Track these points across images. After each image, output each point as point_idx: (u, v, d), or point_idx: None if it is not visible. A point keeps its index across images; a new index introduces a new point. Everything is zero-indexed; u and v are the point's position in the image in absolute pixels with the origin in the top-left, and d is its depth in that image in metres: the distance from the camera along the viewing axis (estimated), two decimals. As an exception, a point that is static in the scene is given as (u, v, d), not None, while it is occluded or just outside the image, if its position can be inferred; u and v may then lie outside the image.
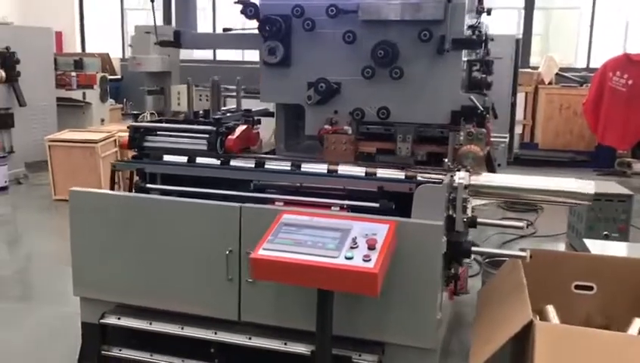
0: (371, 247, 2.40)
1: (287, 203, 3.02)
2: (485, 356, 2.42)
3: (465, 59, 3.38)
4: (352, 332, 2.82)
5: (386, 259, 2.42)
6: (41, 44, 8.18)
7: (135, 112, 3.46)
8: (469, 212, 2.94)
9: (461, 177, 2.84)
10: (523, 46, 10.31)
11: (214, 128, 3.24)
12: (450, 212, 2.85)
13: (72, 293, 3.17)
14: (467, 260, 3.54)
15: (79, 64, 9.94)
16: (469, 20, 3.06)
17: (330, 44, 3.10)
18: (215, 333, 2.95)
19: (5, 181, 7.21)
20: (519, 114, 9.65)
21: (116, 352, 3.12)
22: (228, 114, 3.67)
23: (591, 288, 3.22)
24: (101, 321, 3.10)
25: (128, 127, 3.37)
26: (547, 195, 2.86)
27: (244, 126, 3.41)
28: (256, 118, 3.69)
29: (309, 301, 2.56)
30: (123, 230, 3.05)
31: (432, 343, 2.73)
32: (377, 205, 2.88)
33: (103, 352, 3.13)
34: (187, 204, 2.99)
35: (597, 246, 3.67)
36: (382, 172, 2.96)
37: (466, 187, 2.88)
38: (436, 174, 2.91)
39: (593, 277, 3.22)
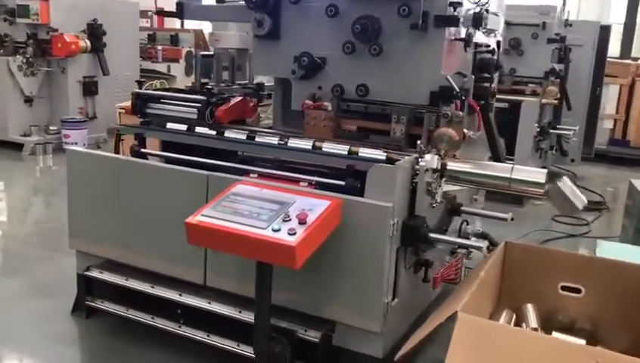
0: (302, 222, 2.38)
1: (261, 175, 3.07)
2: (409, 345, 2.34)
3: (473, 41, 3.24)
4: (303, 307, 2.83)
5: (316, 234, 2.40)
6: (128, 17, 8.66)
7: (139, 80, 3.60)
8: (438, 198, 2.83)
9: (425, 160, 2.73)
10: (623, 35, 9.58)
11: (205, 98, 3.32)
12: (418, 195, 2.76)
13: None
14: (463, 250, 3.42)
15: (174, 39, 10.45)
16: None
17: (315, 17, 3.06)
18: (180, 295, 3.06)
19: (84, 144, 7.75)
20: (610, 108, 8.99)
21: (98, 304, 3.32)
22: (234, 87, 3.74)
23: (579, 291, 2.98)
24: (86, 273, 3.31)
25: (132, 94, 3.54)
26: (504, 182, 2.70)
27: (239, 98, 3.47)
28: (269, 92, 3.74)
29: (285, 273, 2.57)
30: (109, 189, 3.23)
31: (377, 327, 2.67)
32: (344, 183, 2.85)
33: (87, 302, 3.34)
34: (162, 169, 3.11)
35: (608, 249, 3.37)
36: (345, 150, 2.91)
37: (434, 171, 2.77)
38: (401, 155, 2.82)
39: (582, 279, 2.97)
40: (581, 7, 17.02)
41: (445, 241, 2.81)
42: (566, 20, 6.81)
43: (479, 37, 3.33)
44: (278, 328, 2.74)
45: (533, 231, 5.36)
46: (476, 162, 2.84)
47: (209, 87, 3.42)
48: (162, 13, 3.52)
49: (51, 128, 7.88)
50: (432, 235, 2.73)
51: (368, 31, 2.90)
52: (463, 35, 2.92)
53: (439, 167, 2.77)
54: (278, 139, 3.07)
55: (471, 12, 3.13)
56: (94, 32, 7.96)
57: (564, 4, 9.55)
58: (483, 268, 2.76)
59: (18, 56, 7.61)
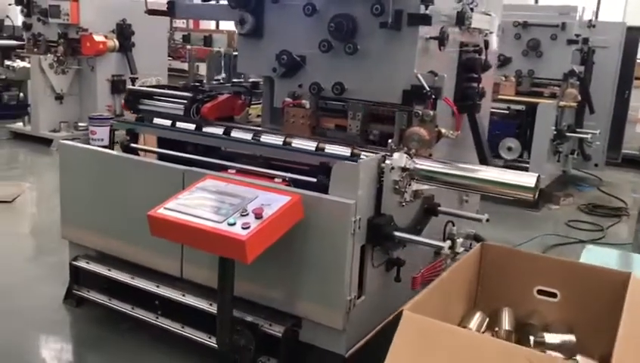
0: (258, 216, 2.42)
1: (239, 171, 3.12)
2: (361, 343, 2.35)
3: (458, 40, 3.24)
4: (271, 302, 2.86)
5: (271, 229, 2.43)
6: (157, 18, 8.83)
7: (133, 76, 3.72)
8: (407, 196, 2.82)
9: (392, 158, 2.72)
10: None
11: (190, 95, 3.40)
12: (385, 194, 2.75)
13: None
14: (447, 251, 3.39)
15: (208, 40, 10.66)
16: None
17: (295, 16, 3.09)
18: (158, 287, 3.13)
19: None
20: (643, 112, 8.70)
21: (85, 293, 3.43)
22: (227, 85, 3.81)
23: (554, 295, 2.92)
24: (73, 263, 3.42)
25: (125, 90, 3.64)
26: (486, 184, 2.66)
27: (226, 96, 3.53)
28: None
29: (238, 267, 2.65)
30: (94, 182, 3.34)
31: (339, 323, 2.68)
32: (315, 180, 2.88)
33: (74, 291, 3.45)
34: (141, 163, 3.20)
35: (594, 254, 3.28)
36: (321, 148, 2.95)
37: (403, 169, 2.76)
38: (373, 152, 2.82)
39: (558, 283, 2.91)
40: (627, 8, 16.46)
41: (410, 240, 2.78)
42: (590, 20, 6.63)
43: (465, 36, 3.32)
44: (244, 322, 2.79)
45: (542, 235, 5.25)
46: (448, 161, 2.82)
47: (197, 84, 3.49)
48: (153, 12, 3.60)
49: (79, 124, 8.13)
50: (397, 233, 2.72)
51: (343, 29, 2.92)
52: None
53: (408, 166, 2.75)
54: (252, 135, 3.12)
55: (449, 11, 3.11)
56: (123, 31, 8.17)
57: (598, 6, 9.30)
58: (448, 270, 2.74)
59: (50, 55, 7.89)
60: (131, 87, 3.64)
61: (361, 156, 2.85)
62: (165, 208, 2.56)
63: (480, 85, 3.43)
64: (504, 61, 6.58)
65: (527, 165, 6.22)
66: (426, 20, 2.78)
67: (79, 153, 3.41)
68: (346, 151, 2.90)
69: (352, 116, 2.97)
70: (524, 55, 6.44)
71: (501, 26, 6.45)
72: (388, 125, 3.00)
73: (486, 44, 3.41)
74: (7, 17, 9.93)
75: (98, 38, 7.79)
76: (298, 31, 3.11)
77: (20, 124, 8.42)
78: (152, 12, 3.59)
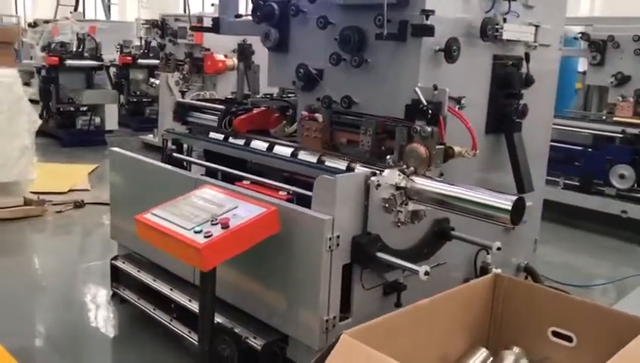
0: (224, 226, 2.43)
1: (253, 182, 3.15)
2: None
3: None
4: (262, 316, 2.83)
5: (236, 240, 2.43)
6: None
7: (183, 90, 3.90)
8: (402, 217, 2.65)
9: (382, 175, 2.58)
10: None
11: (223, 108, 3.51)
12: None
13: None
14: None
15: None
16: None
17: (311, 30, 3.07)
18: (172, 290, 3.24)
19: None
20: None
21: (121, 291, 3.64)
22: (270, 99, 3.87)
23: (570, 339, 2.57)
24: (112, 262, 3.65)
25: (174, 103, 3.85)
26: (469, 205, 2.43)
27: (261, 109, 3.59)
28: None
29: (246, 279, 2.75)
30: (131, 186, 3.56)
31: (315, 343, 2.58)
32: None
33: (113, 289, 3.68)
34: (163, 170, 3.35)
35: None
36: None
37: (397, 187, 2.61)
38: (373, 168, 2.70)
39: (575, 326, 2.57)
40: None
41: (389, 262, 2.60)
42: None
43: (500, 48, 3.07)
44: (230, 332, 2.79)
45: (635, 275, 4.63)
46: (446, 181, 2.60)
47: (233, 98, 3.59)
48: (197, 28, 3.77)
49: (199, 137, 8.67)
50: (380, 255, 2.56)
51: (349, 42, 2.84)
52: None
53: (401, 184, 2.59)
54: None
55: (476, 22, 2.90)
56: (244, 51, 8.58)
57: None
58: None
59: (177, 73, 8.53)
60: (179, 100, 3.83)
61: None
62: (151, 213, 2.66)
63: (521, 102, 3.15)
64: (621, 80, 5.97)
65: (641, 196, 5.56)
66: (428, 31, 2.61)
67: (121, 158, 3.66)
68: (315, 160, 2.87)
69: (363, 131, 2.86)
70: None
71: (617, 41, 5.88)
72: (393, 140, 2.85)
73: (527, 57, 3.11)
74: (154, 38, 10.89)
75: (219, 57, 8.27)
76: (315, 44, 3.09)
77: (151, 136, 9.19)
78: (196, 28, 3.76)
